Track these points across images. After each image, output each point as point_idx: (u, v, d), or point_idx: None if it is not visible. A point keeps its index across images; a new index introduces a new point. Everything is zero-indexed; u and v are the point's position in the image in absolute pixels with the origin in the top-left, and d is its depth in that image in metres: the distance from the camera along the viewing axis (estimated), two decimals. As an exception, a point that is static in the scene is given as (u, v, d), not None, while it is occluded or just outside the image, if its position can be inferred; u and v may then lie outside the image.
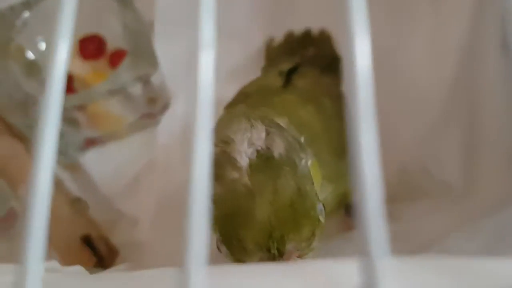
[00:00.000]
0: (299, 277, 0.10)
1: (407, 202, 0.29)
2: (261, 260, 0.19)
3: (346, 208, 0.32)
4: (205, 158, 0.09)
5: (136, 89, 0.36)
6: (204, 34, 0.10)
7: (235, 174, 0.19)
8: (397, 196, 0.30)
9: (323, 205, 0.20)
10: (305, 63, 0.31)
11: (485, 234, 0.20)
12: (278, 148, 0.20)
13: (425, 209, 0.27)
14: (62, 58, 0.11)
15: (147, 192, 0.36)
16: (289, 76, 0.28)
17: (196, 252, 0.09)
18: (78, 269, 0.22)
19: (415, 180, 0.31)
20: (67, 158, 0.39)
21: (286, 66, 0.30)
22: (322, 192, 0.22)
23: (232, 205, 0.19)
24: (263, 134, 0.20)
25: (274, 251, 0.18)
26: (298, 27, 0.38)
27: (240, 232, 0.19)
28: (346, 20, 0.10)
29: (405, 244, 0.23)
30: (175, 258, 0.35)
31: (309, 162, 0.20)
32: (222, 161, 0.20)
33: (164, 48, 0.37)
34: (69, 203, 0.34)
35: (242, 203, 0.19)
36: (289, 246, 0.18)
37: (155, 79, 0.35)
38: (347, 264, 0.10)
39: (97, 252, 0.32)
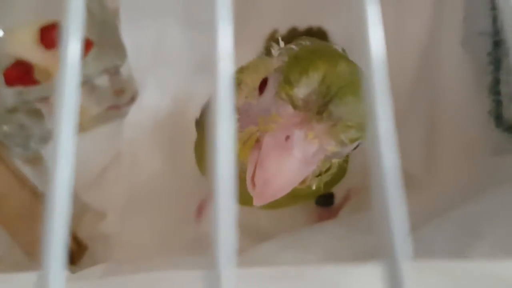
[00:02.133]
0: (316, 282, 0.09)
1: (370, 194, 0.30)
2: None
3: (316, 198, 0.33)
4: (230, 156, 0.09)
5: (103, 81, 0.35)
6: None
7: None
8: (367, 185, 0.31)
9: None
10: None
11: (452, 225, 0.21)
12: None
13: None
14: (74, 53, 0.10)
15: (114, 185, 0.35)
16: None
17: (226, 252, 0.09)
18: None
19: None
20: (29, 150, 0.37)
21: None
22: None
23: None
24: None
25: None
26: (268, 18, 0.38)
27: None
28: (359, 10, 0.10)
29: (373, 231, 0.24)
30: (143, 250, 0.34)
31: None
32: None
33: (130, 38, 0.36)
34: (33, 197, 0.33)
35: None
36: None
37: (122, 71, 0.35)
38: (369, 269, 0.09)
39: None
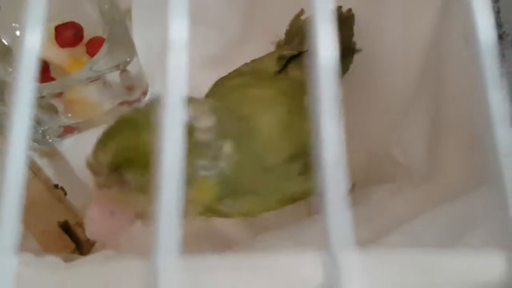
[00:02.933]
0: (260, 272, 0.09)
1: (373, 187, 0.30)
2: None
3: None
4: (176, 147, 0.09)
5: (114, 77, 0.36)
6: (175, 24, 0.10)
7: None
8: (364, 181, 0.31)
9: None
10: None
11: (448, 217, 0.21)
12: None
13: (389, 193, 0.29)
14: (32, 44, 0.11)
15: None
16: (287, 63, 0.28)
17: (167, 242, 0.09)
18: (52, 259, 0.23)
19: (381, 165, 0.32)
20: (45, 144, 0.39)
21: (289, 52, 0.30)
22: (233, 204, 0.24)
23: None
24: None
25: None
26: (276, 16, 0.39)
27: None
28: (312, 8, 0.10)
29: (369, 226, 0.24)
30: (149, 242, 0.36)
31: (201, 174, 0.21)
32: None
33: (141, 35, 0.37)
34: (47, 190, 0.35)
35: None
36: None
37: (133, 67, 0.36)
38: (310, 259, 0.10)
39: (75, 239, 0.33)
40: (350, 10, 0.36)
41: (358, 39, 0.35)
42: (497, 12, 0.26)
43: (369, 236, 0.22)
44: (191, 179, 0.20)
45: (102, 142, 0.22)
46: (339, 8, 0.36)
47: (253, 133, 0.23)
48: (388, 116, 0.32)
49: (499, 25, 0.26)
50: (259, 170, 0.23)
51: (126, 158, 0.21)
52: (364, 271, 0.08)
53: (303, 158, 0.25)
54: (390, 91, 0.32)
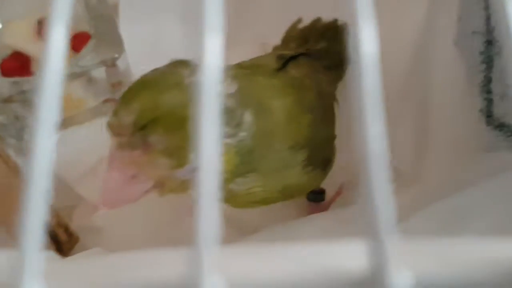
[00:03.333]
0: (297, 260, 0.09)
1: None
2: None
3: (307, 194, 0.33)
4: (214, 136, 0.09)
5: (100, 73, 0.35)
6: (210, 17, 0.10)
7: None
8: (353, 183, 0.32)
9: None
10: (313, 54, 0.31)
11: (439, 216, 0.22)
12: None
13: None
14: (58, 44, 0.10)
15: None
16: (286, 62, 0.28)
17: (208, 229, 0.09)
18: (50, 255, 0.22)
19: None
20: (22, 142, 0.37)
21: (288, 52, 0.30)
22: (243, 183, 0.24)
23: None
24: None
25: None
26: (264, 21, 0.39)
27: None
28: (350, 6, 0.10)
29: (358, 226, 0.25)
30: (136, 243, 0.35)
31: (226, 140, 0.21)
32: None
33: (128, 32, 0.36)
34: (19, 181, 0.33)
35: None
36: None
37: (119, 64, 0.35)
38: (353, 246, 0.09)
39: (56, 239, 0.31)
40: (346, 23, 0.36)
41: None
42: (487, 19, 0.27)
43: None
44: None
45: (125, 102, 0.21)
46: (335, 20, 0.36)
47: (266, 112, 0.23)
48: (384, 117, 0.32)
49: (488, 31, 0.27)
50: (268, 150, 0.23)
51: (151, 117, 0.20)
52: (407, 258, 0.08)
53: (307, 151, 0.25)
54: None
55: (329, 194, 0.34)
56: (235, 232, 0.33)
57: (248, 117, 0.22)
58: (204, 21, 0.10)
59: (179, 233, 0.35)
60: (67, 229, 0.32)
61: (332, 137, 0.29)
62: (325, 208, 0.32)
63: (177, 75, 0.22)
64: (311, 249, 0.09)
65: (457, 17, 0.31)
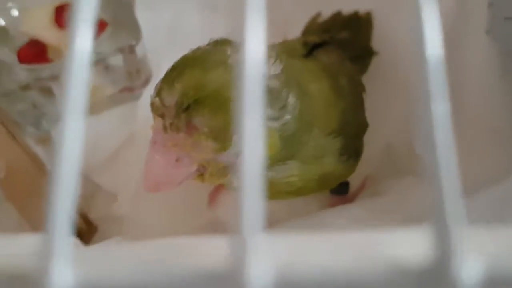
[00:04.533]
0: (354, 248, 0.09)
1: (392, 178, 0.29)
2: None
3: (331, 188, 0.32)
4: (258, 119, 0.08)
5: (117, 61, 0.34)
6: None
7: None
8: (382, 174, 0.31)
9: None
10: (337, 43, 0.31)
11: (488, 204, 0.21)
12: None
13: (409, 186, 0.28)
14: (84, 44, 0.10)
15: (126, 166, 0.35)
16: (312, 49, 0.28)
17: (253, 215, 0.08)
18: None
19: (399, 157, 0.31)
20: (41, 130, 0.37)
21: (313, 39, 0.29)
22: (282, 170, 0.23)
23: None
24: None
25: None
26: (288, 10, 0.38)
27: None
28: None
29: (391, 216, 0.24)
30: (156, 232, 0.34)
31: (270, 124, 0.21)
32: None
33: (146, 19, 0.36)
34: (43, 177, 0.33)
35: None
36: None
37: (137, 51, 0.34)
38: (417, 233, 0.09)
39: (76, 228, 0.31)
40: (368, 13, 0.35)
41: (377, 39, 0.35)
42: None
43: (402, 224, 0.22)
44: None
45: (168, 81, 0.20)
46: (356, 12, 0.35)
47: (306, 95, 0.22)
48: (408, 109, 0.31)
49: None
50: (309, 135, 0.22)
51: (195, 98, 0.19)
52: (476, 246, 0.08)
53: (342, 138, 0.24)
54: (408, 83, 0.32)
55: (352, 186, 0.33)
56: None
57: (292, 99, 0.21)
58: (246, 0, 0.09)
59: (201, 222, 0.35)
60: (85, 218, 0.32)
61: (364, 125, 0.28)
62: (349, 201, 0.31)
63: (221, 53, 0.21)
64: (368, 237, 0.09)
65: (488, 2, 0.30)
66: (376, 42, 0.35)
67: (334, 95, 0.24)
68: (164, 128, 0.20)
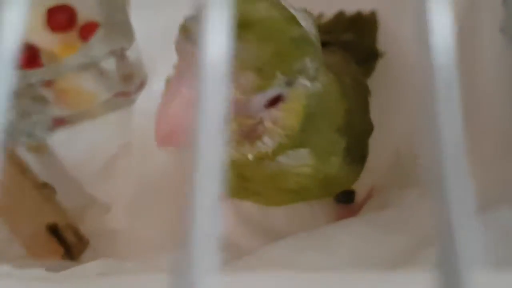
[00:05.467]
0: None
1: (399, 188, 0.28)
2: None
3: (335, 194, 0.30)
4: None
5: (110, 65, 0.33)
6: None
7: None
8: (389, 184, 0.29)
9: None
10: (341, 44, 0.30)
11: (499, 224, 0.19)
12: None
13: (418, 198, 0.26)
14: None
15: (121, 176, 0.33)
16: None
17: (205, 254, 0.07)
18: (38, 273, 0.19)
19: (408, 164, 0.30)
20: (33, 139, 0.36)
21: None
22: (294, 157, 0.21)
23: None
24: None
25: None
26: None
27: None
28: None
29: (396, 236, 0.22)
30: (151, 247, 0.32)
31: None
32: None
33: (140, 21, 0.34)
34: (34, 188, 0.32)
35: None
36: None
37: (130, 54, 0.32)
38: (419, 279, 0.07)
39: (65, 243, 0.30)
40: (373, 13, 0.34)
41: (382, 40, 0.34)
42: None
43: (408, 243, 0.20)
44: (292, 78, 0.18)
45: None
46: (359, 12, 0.34)
47: (326, 82, 0.21)
48: (416, 114, 0.29)
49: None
50: (323, 123, 0.21)
51: (242, 20, 0.17)
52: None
53: (349, 138, 0.23)
54: (416, 89, 0.30)
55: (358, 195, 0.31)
56: (259, 237, 0.31)
57: (321, 70, 0.19)
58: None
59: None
60: (76, 232, 0.31)
61: (369, 129, 0.26)
62: (355, 212, 0.29)
63: None
64: (363, 281, 0.07)
65: (501, 0, 0.28)
66: (383, 43, 0.34)
67: (339, 91, 0.23)
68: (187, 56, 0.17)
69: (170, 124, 0.17)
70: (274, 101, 0.18)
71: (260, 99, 0.18)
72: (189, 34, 0.17)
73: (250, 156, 0.20)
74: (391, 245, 0.22)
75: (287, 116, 0.19)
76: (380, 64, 0.33)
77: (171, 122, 0.17)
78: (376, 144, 0.26)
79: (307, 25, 0.19)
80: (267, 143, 0.20)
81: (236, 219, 0.32)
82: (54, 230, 0.30)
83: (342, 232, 0.23)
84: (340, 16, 0.34)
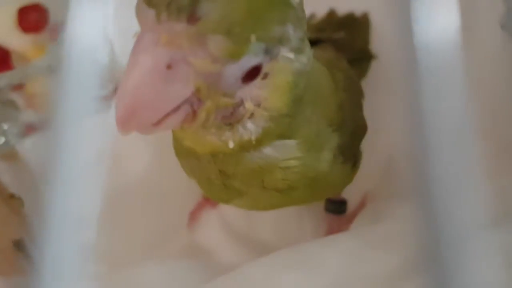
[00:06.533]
0: None
1: (393, 197, 0.26)
2: None
3: (326, 204, 0.28)
4: None
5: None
6: None
7: None
8: (383, 189, 0.28)
9: None
10: (334, 42, 0.29)
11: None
12: None
13: (412, 208, 0.24)
14: None
15: (94, 187, 0.31)
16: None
17: None
18: None
19: (402, 171, 0.28)
20: (4, 145, 0.34)
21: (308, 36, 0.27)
22: (281, 149, 0.19)
23: None
24: None
25: None
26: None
27: None
28: None
29: (387, 255, 0.20)
30: (122, 262, 0.30)
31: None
32: None
33: (116, 21, 0.32)
34: (1, 200, 0.30)
35: None
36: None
37: (103, 58, 0.31)
38: None
39: (32, 259, 0.27)
40: (365, 14, 0.34)
41: (375, 43, 0.34)
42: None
43: (401, 260, 0.18)
44: (270, 46, 0.15)
45: None
46: (352, 12, 0.34)
47: (315, 65, 0.19)
48: (410, 118, 0.28)
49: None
50: (313, 112, 0.19)
51: None
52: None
53: (341, 135, 0.21)
54: (412, 91, 0.29)
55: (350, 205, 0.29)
56: (247, 251, 0.29)
57: (308, 46, 0.17)
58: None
59: (177, 246, 0.31)
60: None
61: (362, 128, 0.25)
62: (347, 222, 0.28)
63: None
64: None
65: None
66: (376, 46, 0.33)
67: (331, 85, 0.21)
68: (157, 16, 0.14)
69: (130, 100, 0.14)
70: (252, 74, 0.16)
71: (235, 70, 0.15)
72: None
73: (230, 144, 0.17)
74: (382, 263, 0.20)
75: (271, 95, 0.16)
76: (374, 68, 0.32)
77: (130, 97, 0.14)
78: (370, 148, 0.25)
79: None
80: (250, 129, 0.17)
81: (220, 230, 0.31)
82: (21, 246, 0.28)
83: (328, 248, 0.21)
84: (332, 15, 0.34)
